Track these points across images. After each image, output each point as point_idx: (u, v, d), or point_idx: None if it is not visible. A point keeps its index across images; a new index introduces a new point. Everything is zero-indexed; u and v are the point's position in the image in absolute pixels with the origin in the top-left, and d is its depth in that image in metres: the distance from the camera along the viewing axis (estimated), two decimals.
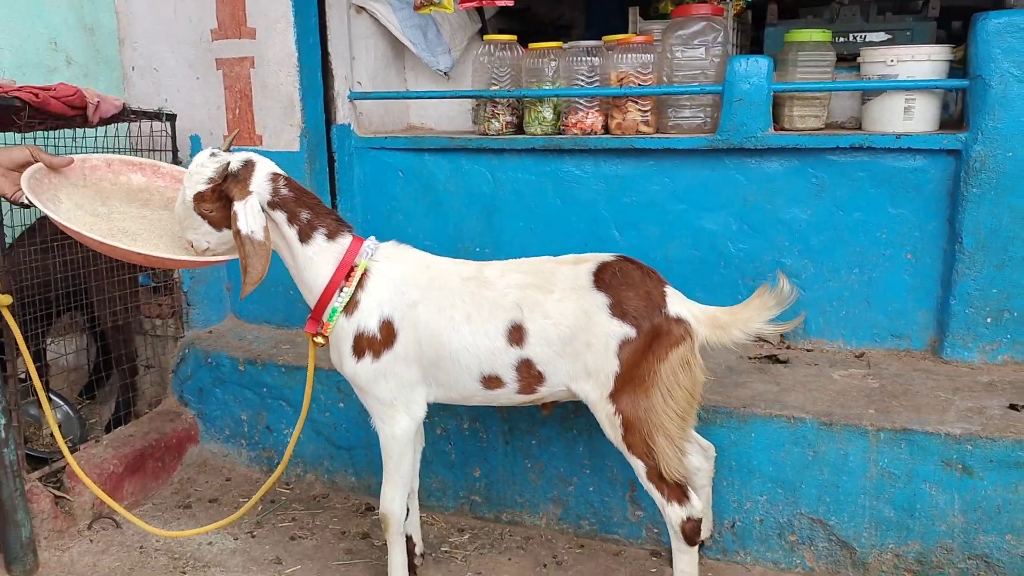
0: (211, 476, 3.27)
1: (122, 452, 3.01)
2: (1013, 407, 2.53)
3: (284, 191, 2.19)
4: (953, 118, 3.06)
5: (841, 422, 2.52)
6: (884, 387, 2.72)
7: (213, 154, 2.16)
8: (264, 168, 2.18)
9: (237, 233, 2.09)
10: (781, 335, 3.11)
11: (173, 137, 3.26)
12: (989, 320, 2.79)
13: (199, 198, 2.13)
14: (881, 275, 2.93)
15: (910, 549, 2.50)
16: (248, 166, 2.16)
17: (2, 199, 2.29)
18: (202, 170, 2.13)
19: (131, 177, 2.31)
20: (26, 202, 2.01)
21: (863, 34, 3.30)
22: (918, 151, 2.81)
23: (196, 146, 3.36)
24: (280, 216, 2.20)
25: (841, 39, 3.30)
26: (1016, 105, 2.63)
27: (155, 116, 3.20)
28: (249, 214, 2.10)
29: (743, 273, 3.05)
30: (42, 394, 2.44)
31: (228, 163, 2.14)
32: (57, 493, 2.83)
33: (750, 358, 3.02)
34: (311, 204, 2.23)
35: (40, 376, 2.60)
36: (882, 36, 3.28)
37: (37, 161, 2.04)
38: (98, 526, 2.89)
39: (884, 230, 2.90)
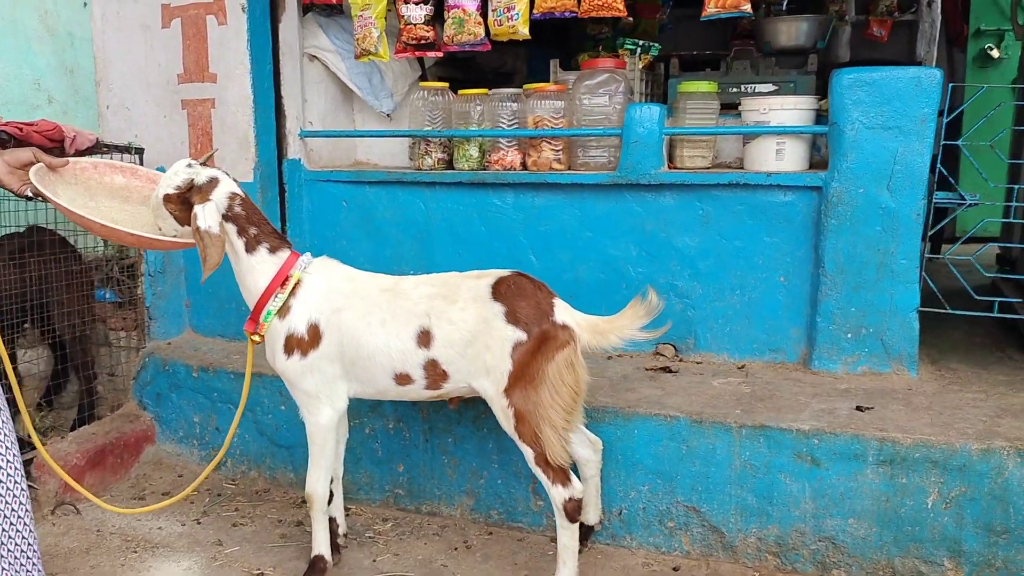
0: (165, 472, 3.62)
1: (84, 448, 3.36)
2: (859, 408, 2.92)
3: (238, 208, 2.58)
4: (823, 159, 3.48)
5: (710, 420, 2.89)
6: (754, 392, 3.10)
7: (189, 165, 2.56)
8: (226, 186, 2.57)
9: (196, 230, 2.47)
10: (675, 350, 3.50)
11: None
12: (849, 335, 3.20)
13: (167, 198, 2.52)
14: (759, 296, 3.34)
15: (770, 533, 2.85)
16: (212, 182, 2.55)
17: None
18: (174, 177, 2.53)
19: (114, 178, 2.66)
20: (30, 194, 2.36)
21: (753, 85, 3.74)
22: (787, 187, 3.23)
23: None
24: (231, 228, 2.59)
25: (734, 89, 3.74)
26: (865, 148, 3.06)
27: (125, 149, 3.60)
28: (207, 214, 2.48)
29: (643, 291, 3.45)
30: (19, 396, 2.72)
31: (194, 178, 2.54)
32: (26, 482, 3.16)
33: (646, 369, 3.40)
34: (258, 222, 2.63)
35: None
36: (770, 87, 3.73)
37: (39, 162, 2.37)
38: (60, 512, 3.23)
39: (761, 256, 3.31)
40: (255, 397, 3.45)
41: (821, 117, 3.35)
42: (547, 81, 3.78)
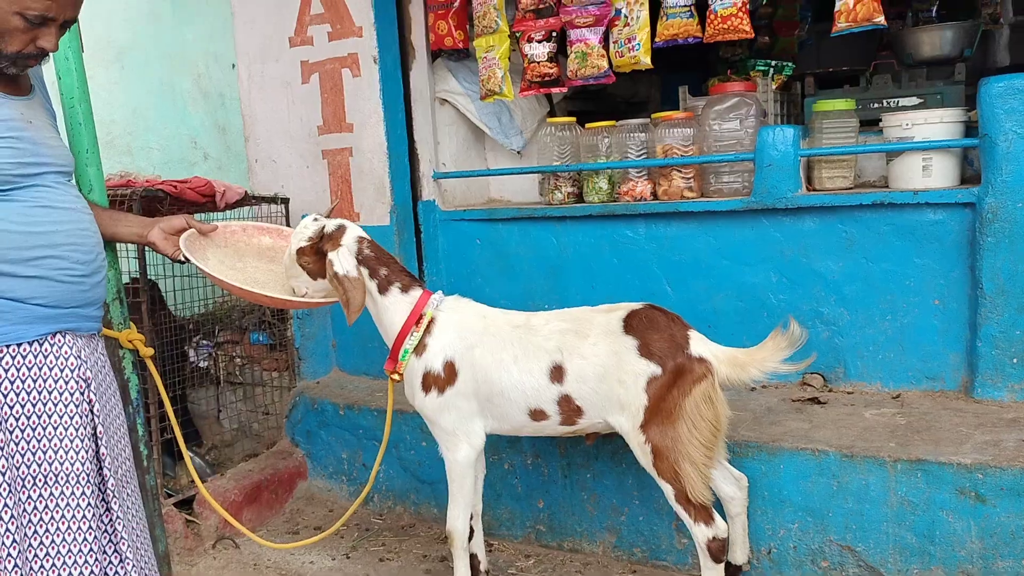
0: (316, 507, 3.76)
1: (242, 484, 3.54)
2: None
3: (368, 251, 2.68)
4: (976, 173, 3.27)
5: (862, 454, 2.74)
6: (910, 424, 2.92)
7: (315, 219, 2.69)
8: (353, 232, 2.68)
9: (335, 275, 2.57)
10: (824, 379, 3.35)
11: (287, 217, 3.87)
12: (1015, 360, 2.96)
13: (300, 252, 2.64)
14: (912, 321, 3.15)
15: (934, 574, 2.67)
16: (340, 229, 2.67)
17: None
18: (304, 231, 2.65)
19: (261, 239, 2.77)
20: (182, 259, 2.52)
21: (896, 100, 3.57)
22: (936, 205, 3.05)
23: None
24: (363, 271, 2.68)
25: (875, 105, 3.58)
26: (1021, 160, 2.85)
27: (273, 200, 3.81)
28: (343, 259, 2.59)
29: (784, 322, 3.33)
30: (179, 436, 2.90)
31: (324, 227, 2.66)
32: (188, 517, 3.37)
33: (792, 400, 3.27)
34: (389, 263, 2.72)
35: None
36: (914, 100, 3.54)
37: (191, 228, 2.49)
38: (220, 546, 3.41)
39: (912, 279, 3.13)
40: (398, 434, 3.54)
41: (972, 129, 3.16)
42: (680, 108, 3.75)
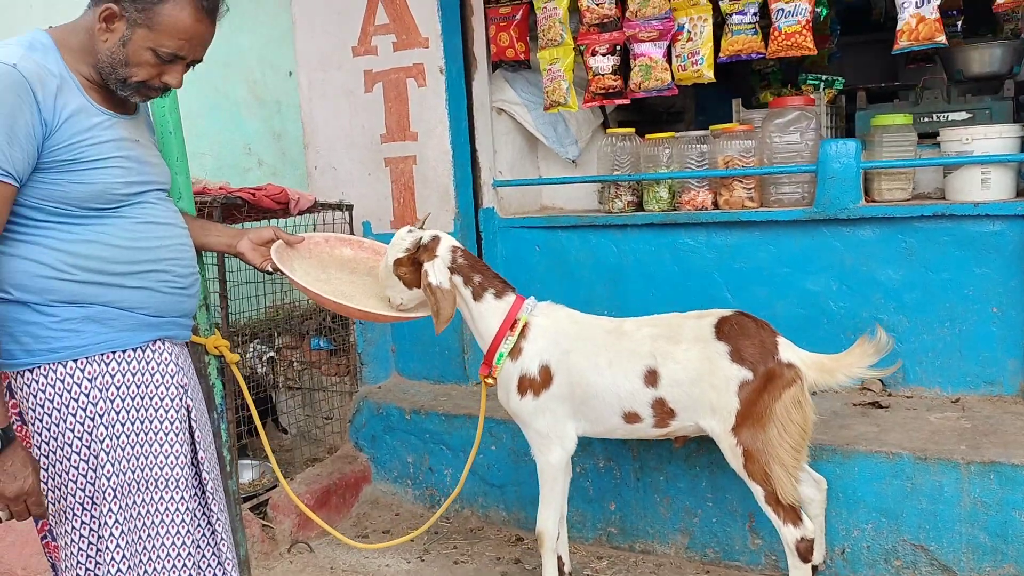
0: (383, 511, 3.82)
1: (312, 488, 3.59)
2: None
3: (461, 260, 2.75)
4: None
5: (935, 456, 2.86)
6: (976, 427, 3.05)
7: (410, 231, 2.75)
8: (447, 242, 2.76)
9: (428, 286, 2.64)
10: (883, 384, 3.47)
11: (350, 223, 3.92)
12: None
13: (398, 263, 2.70)
14: (971, 328, 3.28)
15: (1006, 572, 2.78)
16: (435, 240, 2.74)
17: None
18: (401, 242, 2.72)
19: (343, 250, 2.79)
20: (270, 270, 2.54)
21: (946, 114, 3.70)
22: (996, 217, 3.17)
23: (367, 230, 4.02)
24: (458, 279, 2.75)
25: (925, 119, 3.71)
26: None
27: (337, 207, 3.87)
28: (437, 270, 2.66)
29: (844, 328, 3.44)
30: (265, 439, 2.95)
31: (420, 238, 2.73)
32: (263, 522, 3.41)
33: (854, 404, 3.38)
34: (482, 270, 2.79)
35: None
36: (963, 115, 3.67)
37: (278, 239, 2.50)
38: (295, 550, 3.46)
39: (971, 287, 3.25)
40: (466, 437, 3.61)
41: None
42: (719, 119, 3.84)
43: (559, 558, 3.03)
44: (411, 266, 2.71)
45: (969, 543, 2.83)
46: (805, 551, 2.66)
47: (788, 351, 2.67)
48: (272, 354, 4.02)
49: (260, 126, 4.23)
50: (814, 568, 2.93)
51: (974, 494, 2.81)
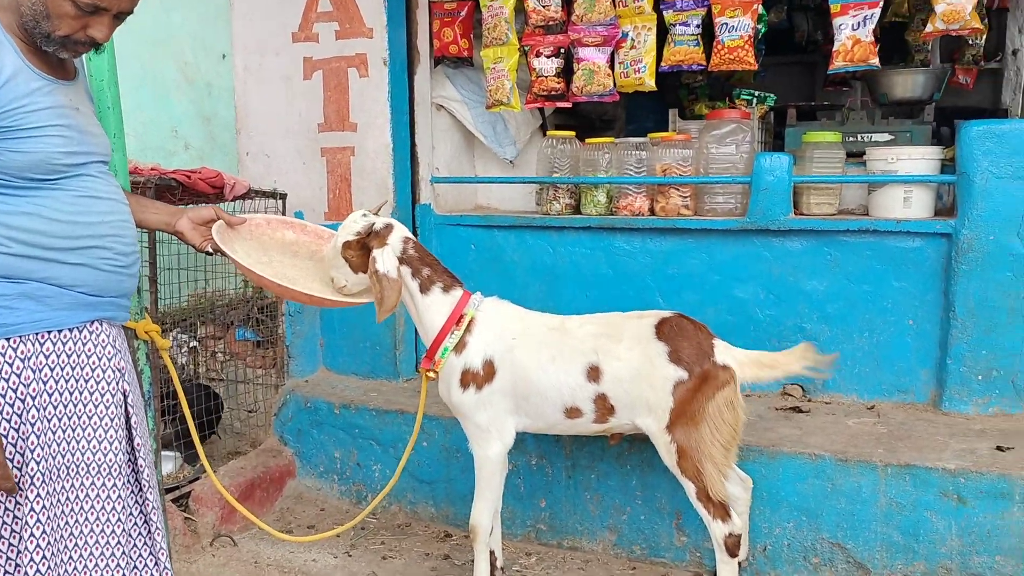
0: (307, 507, 3.75)
1: (236, 482, 3.50)
2: (999, 448, 3.00)
3: (412, 251, 2.73)
4: (946, 206, 3.60)
5: (855, 459, 2.99)
6: (891, 432, 3.20)
7: (364, 215, 2.71)
8: (400, 232, 2.74)
9: (375, 272, 2.60)
10: (803, 390, 3.61)
11: (283, 213, 3.84)
12: (980, 377, 3.29)
13: (347, 245, 2.65)
14: (888, 338, 3.44)
15: (916, 569, 2.93)
16: (388, 228, 2.71)
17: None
18: (353, 225, 2.68)
19: (285, 233, 2.73)
20: (210, 250, 2.45)
21: (870, 135, 3.88)
22: (916, 234, 3.35)
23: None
24: (406, 270, 2.73)
25: (851, 139, 3.88)
26: (995, 197, 3.17)
27: (272, 195, 3.78)
28: (386, 258, 2.63)
29: (770, 335, 3.57)
30: (193, 430, 2.83)
31: (374, 224, 2.69)
32: (185, 514, 3.31)
33: (776, 408, 3.50)
34: (432, 264, 2.78)
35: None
36: (886, 137, 3.86)
37: (219, 219, 2.43)
38: (218, 544, 3.36)
39: (890, 300, 3.42)
40: (396, 433, 3.58)
41: (944, 166, 3.48)
42: (647, 129, 3.94)
43: (492, 553, 3.04)
44: (359, 250, 2.67)
45: (884, 542, 2.96)
46: (733, 546, 2.73)
47: (724, 353, 2.75)
48: (194, 343, 3.91)
49: (189, 108, 4.10)
50: (738, 564, 3.04)
51: (890, 495, 2.95)
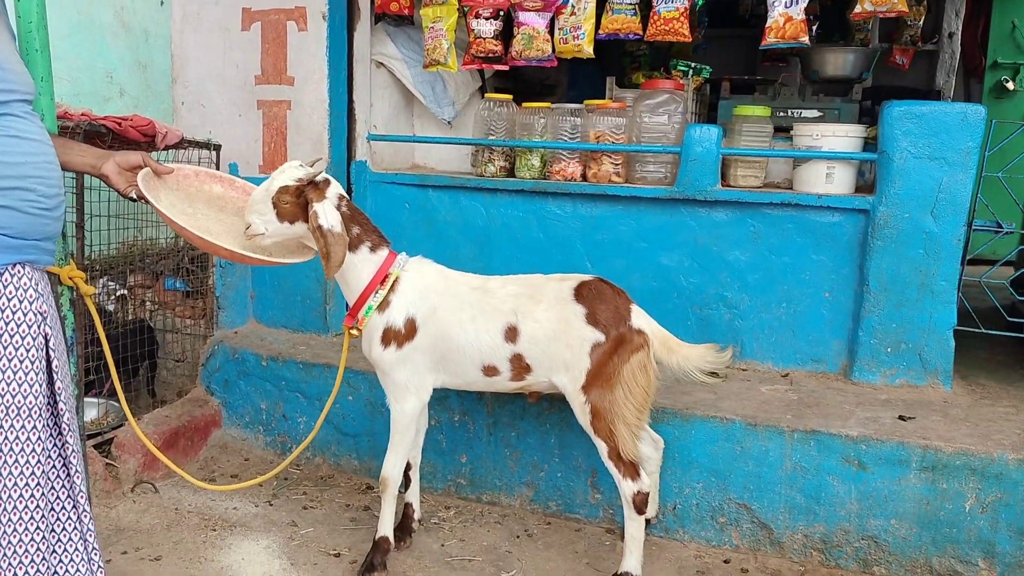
0: (232, 456, 3.78)
1: (160, 430, 3.51)
2: (901, 418, 3.14)
3: (344, 209, 2.73)
4: (867, 183, 3.71)
5: (764, 424, 3.10)
6: (801, 399, 3.32)
7: (301, 166, 2.70)
8: (336, 188, 2.73)
9: (318, 228, 2.60)
10: None
11: (217, 163, 3.82)
12: (889, 350, 3.42)
13: (283, 190, 2.62)
14: (804, 309, 3.56)
15: (816, 531, 3.06)
16: (326, 182, 2.70)
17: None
18: (293, 171, 2.65)
19: (212, 186, 2.71)
20: (134, 197, 2.43)
21: (799, 111, 3.96)
22: (836, 209, 3.45)
23: (234, 172, 3.92)
24: None
25: (781, 113, 3.96)
26: (912, 176, 3.28)
27: (205, 146, 3.75)
28: (328, 212, 2.63)
29: (692, 303, 3.66)
30: (115, 376, 2.83)
31: (315, 175, 2.68)
32: (107, 460, 3.32)
33: None
34: (362, 222, 2.79)
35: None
36: (815, 113, 3.95)
37: (146, 166, 2.40)
38: (139, 490, 3.38)
39: (808, 272, 3.53)
40: (323, 386, 3.62)
41: (867, 144, 3.58)
42: (589, 95, 3.98)
43: (409, 505, 3.11)
44: (295, 198, 2.63)
45: (787, 503, 3.09)
46: (640, 503, 2.83)
47: (640, 319, 2.83)
48: (123, 292, 3.89)
49: (125, 54, 4.05)
50: (647, 521, 3.14)
51: (795, 459, 3.06)
